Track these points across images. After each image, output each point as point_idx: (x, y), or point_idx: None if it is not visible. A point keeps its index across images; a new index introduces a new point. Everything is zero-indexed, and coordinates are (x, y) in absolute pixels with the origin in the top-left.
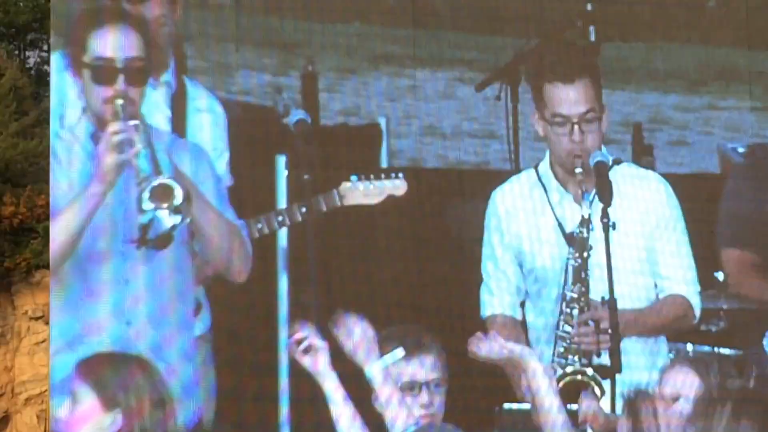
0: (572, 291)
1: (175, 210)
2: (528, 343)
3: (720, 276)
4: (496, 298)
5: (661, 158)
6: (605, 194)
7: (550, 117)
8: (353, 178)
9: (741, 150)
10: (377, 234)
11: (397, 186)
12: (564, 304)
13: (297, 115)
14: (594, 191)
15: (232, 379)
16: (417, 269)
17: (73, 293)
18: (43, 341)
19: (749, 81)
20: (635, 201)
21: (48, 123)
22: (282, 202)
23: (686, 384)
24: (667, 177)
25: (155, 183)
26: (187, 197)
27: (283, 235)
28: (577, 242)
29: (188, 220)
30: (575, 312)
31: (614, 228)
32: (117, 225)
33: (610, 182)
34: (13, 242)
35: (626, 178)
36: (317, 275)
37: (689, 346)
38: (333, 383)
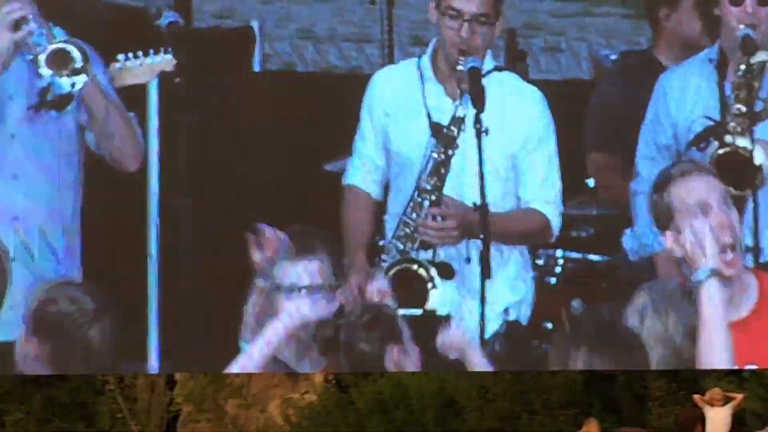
0: (428, 182)
1: (74, 72)
2: (381, 223)
3: (591, 182)
4: (358, 172)
5: (535, 65)
6: (478, 100)
7: (444, 8)
8: (120, 57)
9: (613, 57)
10: (250, 138)
11: (168, 60)
12: (417, 193)
13: (169, 17)
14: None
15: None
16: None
17: None
18: None
19: None
20: (509, 111)
21: None
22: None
23: None
24: (541, 83)
25: (51, 48)
26: (85, 57)
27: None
28: (444, 138)
29: (88, 78)
30: (425, 203)
31: (486, 134)
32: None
33: (483, 88)
34: None
35: (504, 86)
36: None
37: (558, 252)
38: None
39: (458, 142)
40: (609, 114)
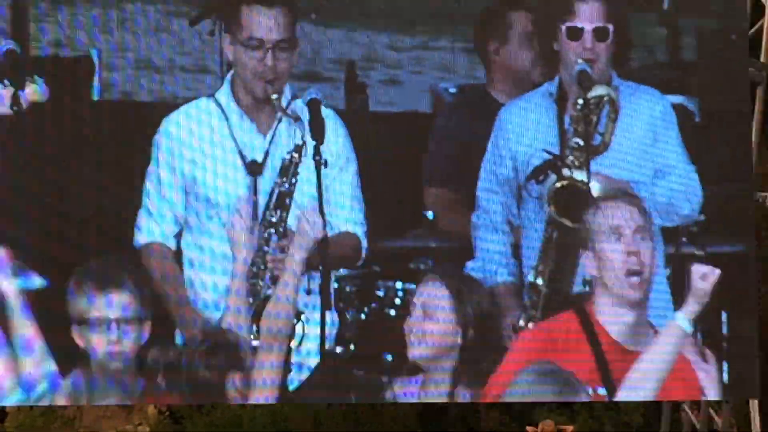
0: (273, 216)
1: None
2: (181, 271)
3: (429, 215)
4: (155, 225)
5: (374, 97)
6: (317, 132)
7: (244, 40)
8: None
9: (452, 90)
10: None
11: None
12: (263, 229)
13: (6, 45)
14: (305, 123)
15: None
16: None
17: None
18: None
19: (462, 22)
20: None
21: None
22: None
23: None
24: (380, 115)
25: None
26: None
27: None
28: (285, 168)
29: None
30: (274, 237)
31: (326, 166)
32: None
33: (323, 120)
34: None
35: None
36: None
37: (398, 284)
38: None
39: (299, 170)
40: (448, 147)
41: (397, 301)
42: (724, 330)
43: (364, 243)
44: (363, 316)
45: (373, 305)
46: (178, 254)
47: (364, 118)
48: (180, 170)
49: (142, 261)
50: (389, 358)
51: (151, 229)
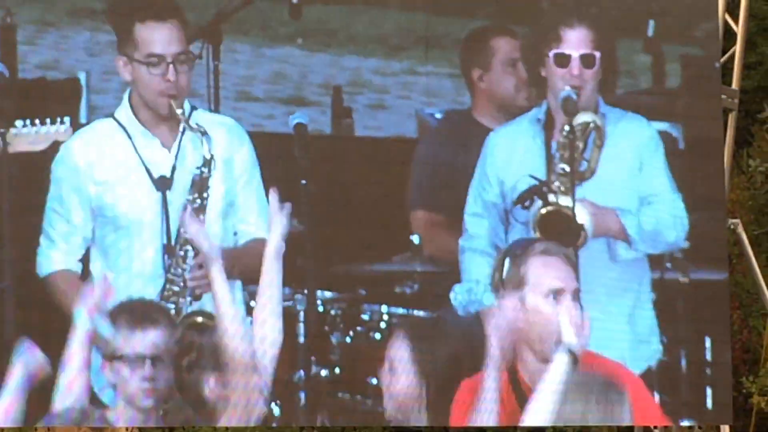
0: (188, 233)
1: None
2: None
3: (415, 239)
4: (59, 254)
5: (360, 121)
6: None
7: (143, 57)
8: (18, 123)
9: (438, 116)
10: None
11: (62, 131)
12: (178, 246)
13: None
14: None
15: None
16: None
17: None
18: None
19: (449, 48)
20: (227, 148)
21: None
22: None
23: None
24: (366, 140)
25: None
26: None
27: None
28: (196, 184)
29: None
30: (190, 254)
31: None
32: None
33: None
34: None
35: (220, 125)
36: None
37: (384, 308)
38: None
39: (210, 184)
40: (435, 172)
41: (383, 324)
42: (708, 356)
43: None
44: (348, 340)
45: (359, 329)
46: (84, 278)
47: (350, 142)
48: (86, 193)
49: (47, 290)
50: (374, 381)
51: (55, 257)
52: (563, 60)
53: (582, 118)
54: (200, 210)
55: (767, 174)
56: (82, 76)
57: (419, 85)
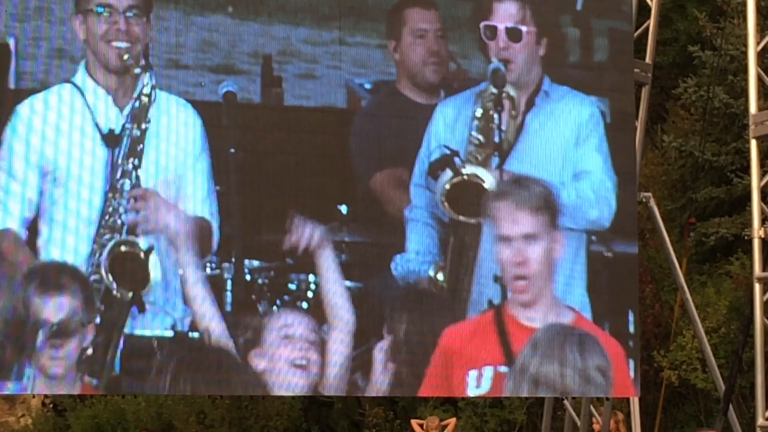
0: (127, 164)
1: None
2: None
3: (343, 209)
4: (11, 216)
5: (290, 90)
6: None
7: (94, 5)
8: None
9: (368, 86)
10: None
11: None
12: (118, 174)
13: None
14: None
15: None
16: None
17: None
18: None
19: (379, 18)
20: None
21: None
22: None
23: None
24: (295, 109)
25: None
26: None
27: None
28: (134, 115)
29: None
30: (126, 185)
31: None
32: None
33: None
34: None
35: (171, 105)
36: None
37: (311, 277)
38: None
39: (149, 116)
40: (371, 143)
41: (310, 294)
42: (631, 329)
43: (216, 234)
44: (275, 309)
45: (286, 297)
46: (31, 240)
47: (279, 111)
48: (37, 152)
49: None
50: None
51: (5, 218)
52: (491, 31)
53: (505, 90)
54: (138, 141)
55: (681, 150)
56: (11, 42)
57: (349, 56)
